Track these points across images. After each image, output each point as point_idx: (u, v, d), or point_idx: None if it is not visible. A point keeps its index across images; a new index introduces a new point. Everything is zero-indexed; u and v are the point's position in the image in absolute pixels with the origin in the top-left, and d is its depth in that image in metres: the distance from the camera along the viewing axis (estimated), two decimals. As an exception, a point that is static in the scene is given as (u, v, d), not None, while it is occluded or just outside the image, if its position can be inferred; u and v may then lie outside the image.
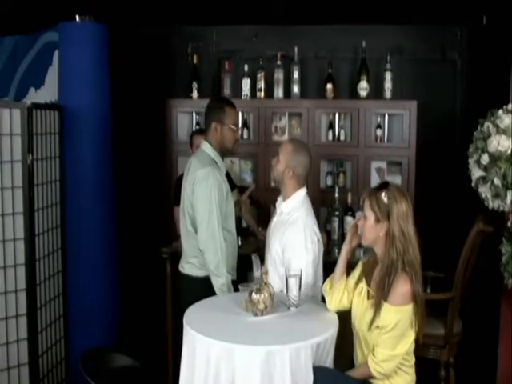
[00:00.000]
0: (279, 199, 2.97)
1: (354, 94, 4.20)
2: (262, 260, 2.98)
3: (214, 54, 4.50)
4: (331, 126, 4.23)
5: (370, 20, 4.14)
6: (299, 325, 2.42)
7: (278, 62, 4.24)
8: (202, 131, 3.47)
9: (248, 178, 4.35)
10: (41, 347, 3.43)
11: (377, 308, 2.31)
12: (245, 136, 4.27)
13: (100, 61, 3.66)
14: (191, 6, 4.07)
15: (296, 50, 4.20)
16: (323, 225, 3.94)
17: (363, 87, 4.11)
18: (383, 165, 4.14)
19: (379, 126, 4.14)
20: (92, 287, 3.67)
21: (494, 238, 2.87)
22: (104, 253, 3.74)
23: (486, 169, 2.65)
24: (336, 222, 3.85)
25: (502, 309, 2.92)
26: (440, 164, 4.25)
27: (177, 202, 3.19)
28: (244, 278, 2.94)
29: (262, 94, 4.27)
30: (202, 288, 2.82)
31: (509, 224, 2.70)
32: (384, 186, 2.38)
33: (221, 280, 2.81)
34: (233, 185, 3.41)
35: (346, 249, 2.54)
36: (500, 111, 2.65)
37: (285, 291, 2.58)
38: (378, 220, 2.33)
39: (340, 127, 4.21)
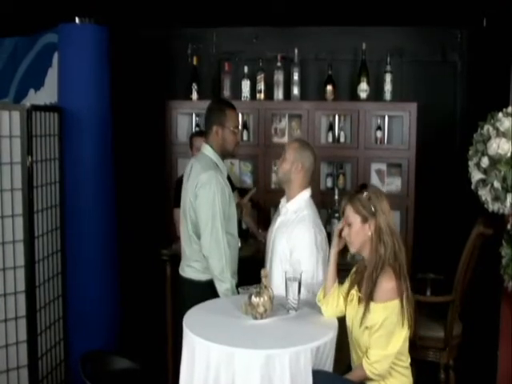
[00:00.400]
0: (283, 200, 2.97)
1: (353, 96, 4.21)
2: (263, 261, 3.00)
3: (213, 56, 4.51)
4: (331, 127, 4.24)
5: (370, 22, 4.14)
6: (299, 328, 2.42)
7: (278, 64, 4.25)
8: (201, 133, 3.46)
9: (248, 180, 4.34)
10: (40, 349, 3.42)
11: (365, 309, 2.32)
12: (244, 138, 4.27)
13: (100, 62, 3.65)
14: (191, 7, 4.07)
15: (296, 51, 4.21)
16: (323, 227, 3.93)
17: (363, 89, 4.12)
18: (383, 167, 4.15)
19: (379, 128, 4.14)
20: (92, 289, 3.66)
21: (493, 241, 2.87)
22: (104, 255, 3.73)
23: (485, 171, 2.64)
24: (336, 224, 3.78)
25: (501, 311, 2.92)
26: (440, 166, 4.25)
27: (177, 203, 3.19)
28: (243, 280, 2.93)
29: (262, 95, 4.28)
30: (205, 292, 2.80)
31: (509, 227, 2.70)
32: (362, 186, 2.42)
33: (225, 285, 2.79)
34: (233, 187, 3.39)
35: (333, 252, 2.54)
36: (500, 114, 2.64)
37: (284, 294, 2.58)
38: (365, 220, 2.35)
39: (340, 129, 4.22)
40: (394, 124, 4.18)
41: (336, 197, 3.86)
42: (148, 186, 4.52)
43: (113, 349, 3.66)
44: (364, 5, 3.93)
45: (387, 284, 2.28)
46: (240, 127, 4.06)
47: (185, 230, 2.94)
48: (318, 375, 2.23)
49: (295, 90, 4.23)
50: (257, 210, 3.93)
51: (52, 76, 3.84)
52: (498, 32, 3.78)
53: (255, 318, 2.46)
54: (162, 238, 3.96)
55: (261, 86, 4.27)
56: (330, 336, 2.35)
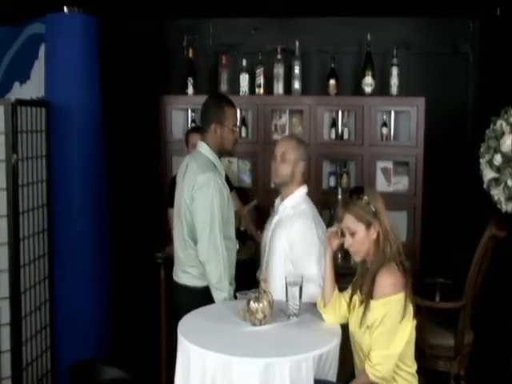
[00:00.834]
0: (277, 200, 3.02)
1: (358, 91, 4.20)
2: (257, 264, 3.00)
3: (210, 48, 4.50)
4: (334, 123, 4.24)
5: (376, 12, 4.13)
6: (300, 335, 2.42)
7: (278, 57, 4.25)
8: (198, 129, 3.45)
9: (246, 179, 4.34)
10: (25, 359, 3.38)
11: (365, 308, 2.33)
12: (243, 134, 4.27)
13: (90, 54, 3.63)
14: (186, -4, 4.07)
15: (297, 43, 4.20)
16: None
17: (368, 83, 4.11)
18: (389, 165, 4.14)
19: (385, 124, 4.14)
20: (80, 295, 3.63)
21: (507, 243, 2.85)
22: (94, 258, 3.71)
23: (498, 170, 2.63)
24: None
25: (515, 318, 2.91)
26: (450, 164, 4.23)
27: (171, 203, 3.17)
28: (241, 284, 2.91)
29: (261, 90, 4.28)
30: (202, 299, 2.78)
31: (523, 228, 2.68)
32: (358, 191, 2.40)
33: (223, 294, 2.78)
34: (230, 186, 3.38)
35: (328, 255, 2.53)
36: (514, 108, 2.63)
37: (285, 299, 2.56)
38: (368, 225, 2.36)
39: (343, 125, 4.22)
40: (400, 120, 4.17)
41: (339, 196, 3.83)
42: (141, 186, 4.50)
43: (103, 358, 3.63)
44: (369, -6, 3.93)
45: (386, 279, 2.29)
46: (238, 124, 4.05)
47: (179, 234, 2.92)
48: (320, 385, 2.22)
49: (296, 85, 4.23)
50: (255, 211, 3.91)
51: (38, 68, 3.82)
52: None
53: (254, 325, 2.45)
54: (155, 240, 3.94)
55: (260, 80, 4.26)
56: (333, 343, 2.34)
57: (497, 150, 2.63)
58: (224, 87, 4.29)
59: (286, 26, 4.36)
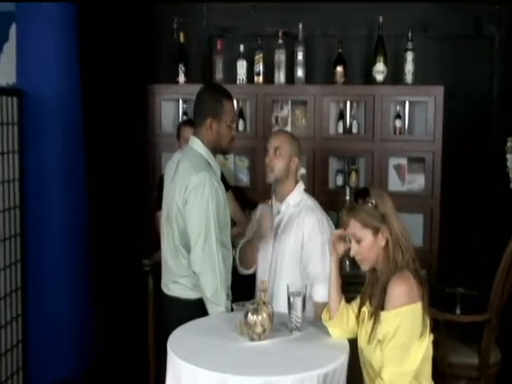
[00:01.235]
0: (272, 201, 3.07)
1: (368, 79, 4.20)
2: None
3: (204, 31, 4.49)
4: (342, 116, 4.23)
5: (388, -10, 4.14)
6: (303, 351, 2.40)
7: (280, 41, 4.23)
8: (191, 122, 3.44)
9: (244, 178, 4.34)
10: (-6, 380, 3.38)
11: (375, 320, 2.32)
12: (240, 128, 4.27)
13: (68, 37, 3.62)
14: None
15: (300, 26, 4.19)
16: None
17: (379, 70, 4.10)
18: (403, 161, 4.13)
19: (398, 116, 4.13)
20: (58, 307, 3.62)
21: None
22: (72, 266, 3.69)
23: (527, 166, 2.61)
24: None
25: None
26: (472, 161, 4.22)
27: (159, 205, 3.15)
28: (238, 295, 2.89)
29: (261, 78, 4.27)
30: (195, 312, 2.76)
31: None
32: (363, 194, 2.40)
33: (219, 308, 2.76)
34: (226, 185, 3.36)
35: (333, 262, 2.53)
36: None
37: (287, 311, 2.55)
38: (376, 231, 2.36)
39: (352, 117, 4.21)
40: (416, 111, 4.16)
41: (347, 197, 3.82)
42: (127, 185, 4.47)
43: (84, 377, 3.64)
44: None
45: (398, 287, 2.28)
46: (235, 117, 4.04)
47: (169, 241, 2.90)
48: (326, 407, 2.21)
49: (299, 72, 4.22)
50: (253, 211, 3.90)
51: (9, 52, 3.79)
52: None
53: (252, 340, 2.43)
54: (142, 246, 3.93)
55: (259, 67, 4.26)
56: (340, 360, 2.32)
57: (525, 145, 2.61)
58: (219, 75, 4.29)
59: (287, 7, 4.34)
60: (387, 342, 2.26)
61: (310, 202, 3.06)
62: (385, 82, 4.10)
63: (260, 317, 2.40)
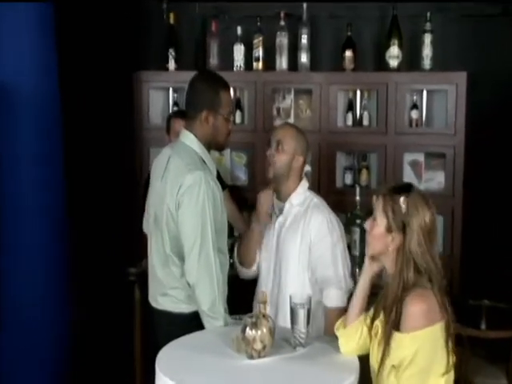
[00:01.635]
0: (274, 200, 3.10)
1: (381, 65, 4.23)
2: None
3: (196, 13, 4.50)
4: (351, 106, 4.26)
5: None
6: (308, 371, 2.39)
7: (281, 23, 4.25)
8: (182, 114, 3.43)
9: (242, 176, 4.35)
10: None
11: (388, 341, 2.29)
12: (237, 120, 4.29)
13: (43, 20, 3.59)
14: None
15: (305, 6, 4.20)
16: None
17: (394, 55, 4.12)
18: (420, 157, 4.16)
19: (415, 107, 4.15)
20: (32, 321, 3.59)
21: None
22: (49, 276, 3.66)
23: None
24: (357, 234, 3.82)
25: None
26: (497, 156, 4.24)
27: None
28: (234, 307, 2.89)
29: (260, 64, 4.29)
30: (189, 328, 2.74)
31: None
32: (406, 188, 2.38)
33: (217, 322, 2.75)
34: (222, 184, 3.36)
35: (365, 278, 2.51)
36: None
37: (290, 326, 2.54)
38: (389, 229, 2.36)
39: (363, 108, 4.24)
40: (435, 101, 4.19)
41: (357, 197, 3.84)
42: (110, 184, 4.49)
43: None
44: None
45: (415, 307, 2.25)
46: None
47: (158, 248, 2.89)
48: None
49: (303, 58, 4.24)
50: (252, 213, 3.90)
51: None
52: None
53: (251, 358, 2.42)
54: (128, 253, 3.94)
55: (258, 52, 4.28)
56: (349, 381, 2.30)
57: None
58: (213, 61, 4.30)
59: (290, -15, 4.36)
60: (404, 369, 2.25)
61: (316, 200, 3.08)
62: (399, 69, 4.13)
63: (259, 332, 2.38)
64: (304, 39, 4.20)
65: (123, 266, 3.71)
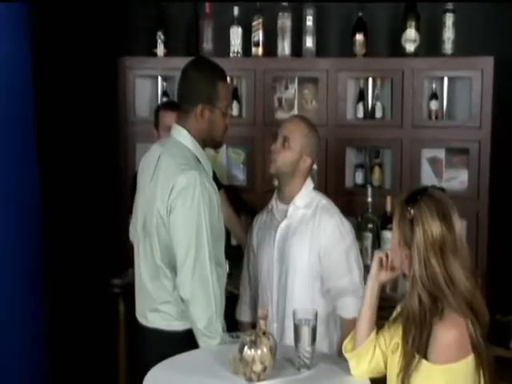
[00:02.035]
0: (274, 201, 3.13)
1: (396, 49, 4.23)
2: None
3: (188, -9, 4.51)
4: (362, 96, 4.29)
5: None
6: (314, 395, 2.38)
7: (284, 4, 4.23)
8: (173, 105, 3.44)
9: (240, 175, 4.37)
10: None
11: (407, 366, 2.27)
12: (234, 113, 4.29)
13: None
14: None
15: (310, -16, 4.20)
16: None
17: (411, 38, 4.13)
18: (440, 154, 4.20)
19: (435, 96, 4.17)
20: (5, 340, 3.58)
21: None
22: (23, 289, 3.67)
23: None
24: (369, 239, 3.86)
25: None
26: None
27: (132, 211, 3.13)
28: (232, 323, 2.87)
29: (260, 50, 4.31)
30: (183, 347, 2.72)
31: None
32: (421, 193, 2.35)
33: (214, 342, 2.74)
34: (218, 184, 3.35)
35: (372, 287, 2.50)
36: None
37: (293, 344, 2.53)
38: (399, 243, 2.36)
39: (375, 98, 4.27)
40: (457, 90, 4.22)
41: (369, 199, 3.87)
42: (92, 186, 4.48)
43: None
44: None
45: (447, 336, 2.22)
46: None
47: (147, 258, 2.87)
48: None
49: (309, 42, 4.26)
50: (251, 217, 3.88)
51: None
52: None
53: (249, 381, 2.40)
54: (112, 262, 3.95)
55: (258, 36, 4.29)
56: (361, 407, 2.32)
57: None
58: (207, 46, 4.31)
59: (293, -39, 4.37)
60: None
61: (324, 201, 3.07)
62: (417, 54, 4.15)
63: (259, 351, 2.37)
64: (309, 21, 4.21)
65: (106, 276, 3.72)
